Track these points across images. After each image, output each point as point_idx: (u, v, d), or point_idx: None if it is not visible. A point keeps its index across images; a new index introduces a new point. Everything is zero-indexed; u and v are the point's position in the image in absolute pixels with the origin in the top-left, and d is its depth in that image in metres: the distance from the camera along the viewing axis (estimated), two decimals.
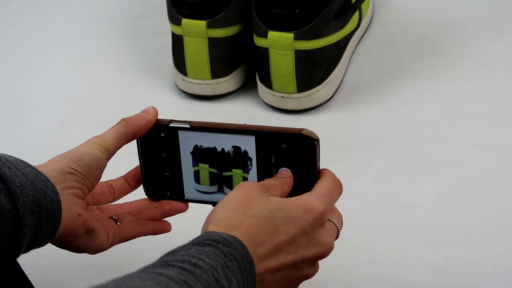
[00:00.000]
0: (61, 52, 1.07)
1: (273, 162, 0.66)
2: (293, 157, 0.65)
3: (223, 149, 0.67)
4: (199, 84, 0.97)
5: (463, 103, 0.95)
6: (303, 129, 0.65)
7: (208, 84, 0.97)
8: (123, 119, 0.67)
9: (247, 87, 0.99)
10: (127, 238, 0.68)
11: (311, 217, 0.60)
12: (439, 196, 0.84)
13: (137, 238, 0.69)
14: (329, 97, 0.96)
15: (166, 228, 0.70)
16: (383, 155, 0.89)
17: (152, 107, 0.67)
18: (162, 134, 0.68)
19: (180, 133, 0.67)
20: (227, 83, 0.97)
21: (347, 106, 0.96)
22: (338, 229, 0.64)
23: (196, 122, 0.67)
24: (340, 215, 0.65)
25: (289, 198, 0.61)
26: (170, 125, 0.67)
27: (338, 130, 0.93)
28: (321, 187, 0.63)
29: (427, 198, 0.84)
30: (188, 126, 0.67)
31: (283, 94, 0.94)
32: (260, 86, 0.96)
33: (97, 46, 1.08)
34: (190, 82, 0.97)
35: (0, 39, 1.10)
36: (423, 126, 0.93)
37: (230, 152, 0.67)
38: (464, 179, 0.86)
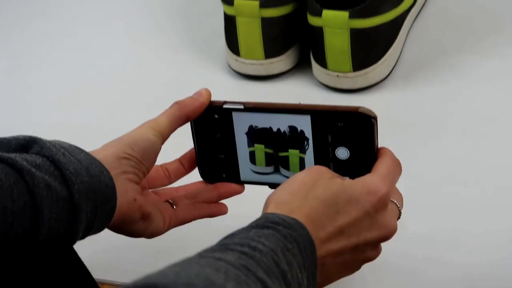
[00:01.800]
0: (114, 33, 1.07)
1: (329, 141, 0.65)
2: (350, 136, 0.64)
3: (278, 129, 0.66)
4: (252, 64, 0.95)
5: None
6: (360, 107, 0.63)
7: (261, 64, 0.95)
8: (176, 102, 0.66)
9: (301, 67, 0.97)
10: (184, 221, 0.67)
11: (374, 199, 0.59)
12: (503, 175, 0.81)
13: (193, 221, 0.68)
14: (385, 75, 0.94)
15: (223, 211, 0.69)
16: (443, 134, 0.87)
17: (205, 89, 0.66)
18: (216, 116, 0.67)
19: (234, 114, 0.66)
20: (281, 62, 0.96)
21: (404, 84, 0.94)
22: (400, 209, 0.62)
23: (250, 103, 0.66)
24: (401, 195, 0.63)
25: (352, 180, 0.60)
26: (224, 106, 0.66)
27: (396, 109, 0.91)
28: (382, 167, 0.61)
29: (490, 177, 0.81)
30: (242, 107, 0.66)
31: (338, 73, 0.92)
32: (315, 65, 0.94)
33: (150, 27, 1.07)
34: (244, 63, 0.95)
35: (52, 20, 1.10)
36: (485, 104, 0.90)
37: (286, 132, 0.65)
38: None
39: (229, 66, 0.98)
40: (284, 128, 0.65)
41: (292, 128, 0.65)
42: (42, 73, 1.02)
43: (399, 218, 0.62)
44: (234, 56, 0.96)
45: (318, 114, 0.64)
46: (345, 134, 0.64)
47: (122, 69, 1.01)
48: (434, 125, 0.88)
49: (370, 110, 0.63)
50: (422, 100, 0.92)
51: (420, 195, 0.79)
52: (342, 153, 0.65)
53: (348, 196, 0.58)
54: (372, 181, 0.59)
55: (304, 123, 0.65)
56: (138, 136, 0.63)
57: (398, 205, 0.62)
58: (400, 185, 0.64)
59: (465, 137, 0.86)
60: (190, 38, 1.04)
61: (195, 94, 0.67)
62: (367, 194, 0.59)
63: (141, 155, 0.63)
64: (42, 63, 1.03)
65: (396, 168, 0.63)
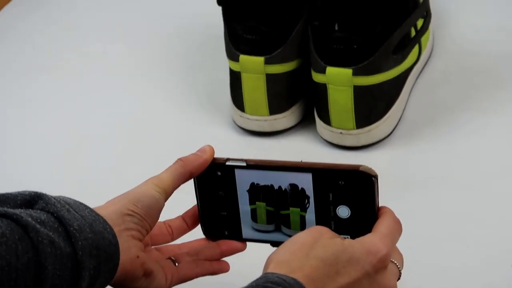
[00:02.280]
0: (119, 87, 1.08)
1: (331, 199, 0.65)
2: (351, 195, 0.64)
3: (280, 187, 0.66)
4: (257, 120, 0.96)
5: None
6: (361, 165, 0.64)
7: (266, 120, 0.96)
8: (179, 159, 0.67)
9: (305, 123, 0.98)
10: (186, 279, 0.68)
11: (374, 259, 0.59)
12: (505, 234, 0.82)
13: (195, 279, 0.68)
14: (388, 132, 0.95)
15: (225, 268, 0.70)
16: (445, 191, 0.87)
17: (209, 146, 0.67)
18: (219, 173, 0.67)
19: (236, 171, 0.67)
20: (285, 119, 0.97)
21: (407, 141, 0.95)
22: (400, 269, 0.62)
23: (252, 160, 0.67)
24: (401, 255, 0.64)
25: (352, 240, 0.60)
26: (227, 163, 0.67)
27: (398, 166, 0.92)
28: (383, 227, 0.62)
29: (492, 237, 0.81)
30: (245, 164, 0.67)
31: (342, 130, 0.93)
32: (318, 122, 0.95)
33: (155, 81, 1.08)
34: (248, 119, 0.96)
35: (58, 74, 1.11)
36: (486, 160, 0.91)
37: (287, 190, 0.66)
38: None
39: (234, 122, 0.99)
40: (285, 186, 0.66)
41: (293, 186, 0.66)
42: (46, 126, 1.02)
43: (399, 278, 0.62)
44: (238, 112, 0.97)
45: (319, 172, 0.65)
46: (346, 192, 0.65)
47: (127, 124, 1.02)
48: (437, 183, 0.89)
49: (370, 169, 0.64)
50: (425, 158, 0.92)
51: (421, 254, 0.79)
52: (343, 211, 0.66)
53: (348, 256, 0.59)
54: (372, 241, 0.60)
55: (305, 181, 0.65)
56: (141, 193, 0.64)
57: (398, 266, 0.62)
58: (401, 243, 0.64)
59: (468, 195, 0.87)
60: (196, 93, 1.05)
61: (198, 151, 0.68)
62: (367, 255, 0.59)
63: (145, 212, 0.63)
64: (46, 116, 1.04)
65: (397, 227, 0.63)
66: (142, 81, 1.09)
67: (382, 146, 0.94)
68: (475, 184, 0.88)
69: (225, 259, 0.70)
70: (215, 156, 0.68)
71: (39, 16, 1.23)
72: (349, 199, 0.65)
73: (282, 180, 0.66)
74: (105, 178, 0.93)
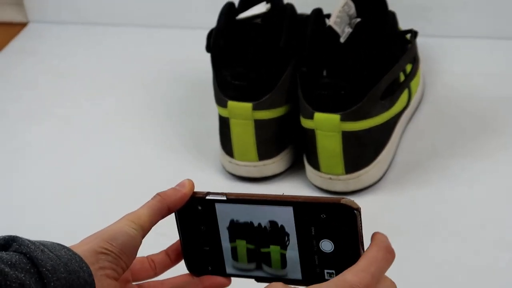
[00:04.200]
0: (108, 132, 1.08)
1: (313, 233, 0.64)
2: (334, 228, 0.63)
3: (260, 224, 0.65)
4: (246, 166, 0.96)
5: None
6: (343, 198, 0.63)
7: (255, 166, 0.96)
8: (158, 194, 0.66)
9: (294, 169, 0.98)
10: None
11: None
12: (496, 280, 0.80)
13: None
14: (378, 178, 0.94)
15: None
16: (434, 237, 0.86)
17: (188, 179, 0.67)
18: (199, 207, 0.67)
19: (217, 205, 0.66)
20: (274, 165, 0.96)
21: (397, 187, 0.94)
22: None
23: (232, 194, 0.66)
24: (393, 283, 0.61)
25: (324, 283, 0.59)
26: (207, 197, 0.66)
27: (388, 212, 0.91)
28: (363, 260, 0.60)
29: (483, 284, 0.80)
30: (225, 198, 0.66)
31: (331, 176, 0.92)
32: (308, 167, 0.94)
33: (145, 127, 1.08)
34: (237, 164, 0.96)
35: (48, 121, 1.12)
36: (477, 207, 0.90)
37: (267, 228, 0.65)
38: None
39: (223, 168, 0.98)
40: (264, 223, 0.65)
41: (273, 223, 0.64)
42: (36, 172, 1.02)
43: None
44: (227, 158, 0.97)
45: (300, 205, 0.64)
46: (328, 226, 0.63)
47: (117, 169, 1.02)
48: (426, 229, 0.88)
49: (353, 202, 0.63)
50: (414, 204, 0.91)
51: None
52: (326, 245, 0.64)
53: None
54: (343, 278, 0.58)
55: (286, 216, 0.64)
56: (116, 230, 0.63)
57: None
58: None
59: (457, 242, 0.86)
60: (185, 139, 1.04)
61: (177, 185, 0.67)
62: None
63: (120, 250, 0.61)
64: (37, 162, 1.04)
65: (381, 256, 0.60)
66: (132, 126, 1.09)
67: (372, 191, 0.93)
68: (464, 231, 0.87)
69: None
70: (196, 190, 0.67)
71: (31, 64, 1.24)
72: (332, 232, 0.63)
73: (262, 216, 0.65)
74: (94, 224, 0.91)
